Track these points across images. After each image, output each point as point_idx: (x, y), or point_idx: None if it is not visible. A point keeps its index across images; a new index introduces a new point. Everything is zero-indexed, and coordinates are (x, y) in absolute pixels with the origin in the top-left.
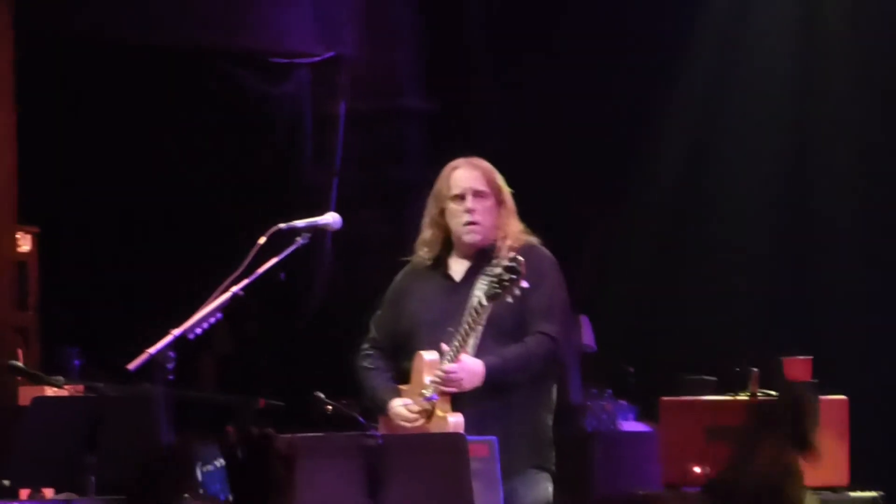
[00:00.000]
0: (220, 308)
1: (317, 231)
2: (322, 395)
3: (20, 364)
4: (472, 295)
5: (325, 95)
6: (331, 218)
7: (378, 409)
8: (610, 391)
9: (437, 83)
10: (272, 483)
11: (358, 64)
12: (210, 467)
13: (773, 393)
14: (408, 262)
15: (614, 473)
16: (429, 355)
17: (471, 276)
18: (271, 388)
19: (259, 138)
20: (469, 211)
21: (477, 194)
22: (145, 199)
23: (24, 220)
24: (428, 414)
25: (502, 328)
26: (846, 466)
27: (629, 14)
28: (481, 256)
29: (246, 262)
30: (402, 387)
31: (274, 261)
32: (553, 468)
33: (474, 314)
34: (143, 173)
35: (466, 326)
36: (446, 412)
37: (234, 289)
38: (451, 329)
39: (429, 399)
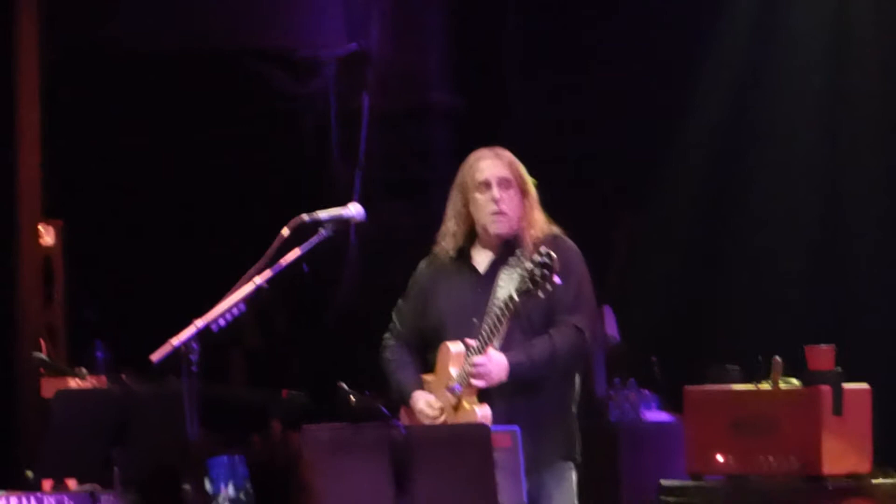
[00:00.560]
0: (244, 300)
1: (340, 223)
2: (345, 386)
3: (44, 356)
4: (498, 286)
5: (350, 91)
6: (354, 209)
7: (401, 401)
8: (633, 381)
9: (463, 80)
10: (296, 485)
11: (384, 61)
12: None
13: (796, 382)
14: (429, 252)
15: (638, 463)
16: (455, 347)
17: (495, 268)
18: (300, 382)
19: (286, 135)
20: (496, 200)
21: (502, 183)
22: (171, 193)
23: (50, 213)
24: (455, 406)
25: (531, 321)
26: (869, 455)
27: (659, 11)
28: (506, 247)
29: (269, 254)
30: (427, 377)
31: (297, 252)
32: (579, 458)
33: (504, 308)
34: (170, 167)
35: (495, 320)
36: (473, 404)
37: (258, 280)
38: (475, 321)
39: (453, 389)
